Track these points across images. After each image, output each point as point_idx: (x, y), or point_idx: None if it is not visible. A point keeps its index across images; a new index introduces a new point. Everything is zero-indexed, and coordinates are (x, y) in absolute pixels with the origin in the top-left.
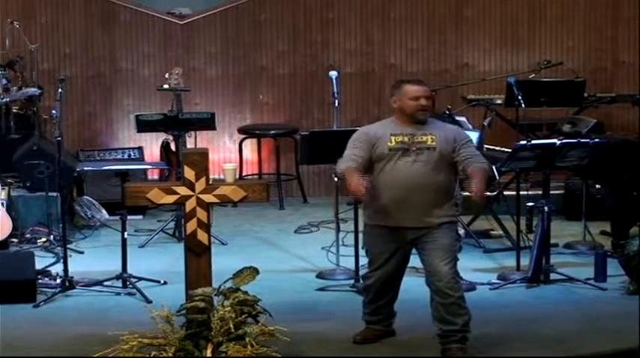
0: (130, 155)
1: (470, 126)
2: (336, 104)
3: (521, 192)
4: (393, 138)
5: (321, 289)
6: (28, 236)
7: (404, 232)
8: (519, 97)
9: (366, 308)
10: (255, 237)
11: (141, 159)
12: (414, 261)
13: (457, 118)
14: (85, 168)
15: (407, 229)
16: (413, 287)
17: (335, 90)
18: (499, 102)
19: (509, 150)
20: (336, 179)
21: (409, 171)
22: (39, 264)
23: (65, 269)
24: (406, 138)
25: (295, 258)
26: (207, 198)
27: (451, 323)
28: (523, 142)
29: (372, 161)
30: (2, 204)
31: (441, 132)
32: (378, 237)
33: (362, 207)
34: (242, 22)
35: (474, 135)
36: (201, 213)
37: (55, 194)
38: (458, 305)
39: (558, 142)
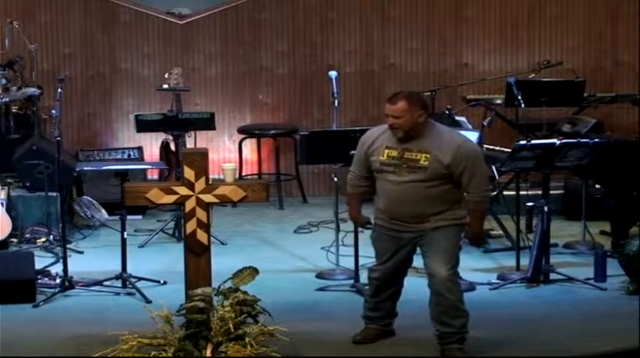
0: (129, 155)
1: (470, 126)
2: (336, 104)
3: (521, 192)
4: (386, 151)
5: (321, 289)
6: (27, 236)
7: (402, 234)
8: (519, 97)
9: (367, 304)
10: (255, 237)
11: (140, 159)
12: (414, 261)
13: (457, 118)
14: (85, 168)
15: (404, 232)
16: (413, 287)
17: (335, 90)
18: (499, 102)
19: (509, 150)
20: (335, 179)
21: (398, 188)
22: (38, 264)
23: (65, 269)
24: (398, 154)
25: (295, 258)
26: (207, 198)
27: (448, 325)
28: (523, 142)
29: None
30: (2, 204)
31: (437, 152)
32: (382, 235)
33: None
34: (242, 22)
35: (473, 135)
36: (201, 213)
37: (54, 194)
38: (455, 307)
39: (558, 142)
